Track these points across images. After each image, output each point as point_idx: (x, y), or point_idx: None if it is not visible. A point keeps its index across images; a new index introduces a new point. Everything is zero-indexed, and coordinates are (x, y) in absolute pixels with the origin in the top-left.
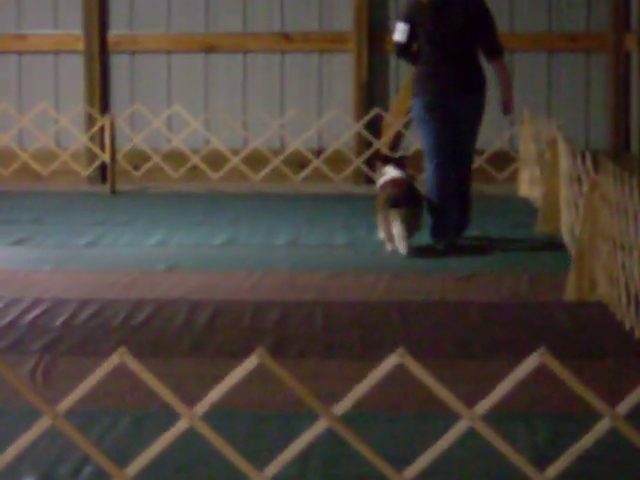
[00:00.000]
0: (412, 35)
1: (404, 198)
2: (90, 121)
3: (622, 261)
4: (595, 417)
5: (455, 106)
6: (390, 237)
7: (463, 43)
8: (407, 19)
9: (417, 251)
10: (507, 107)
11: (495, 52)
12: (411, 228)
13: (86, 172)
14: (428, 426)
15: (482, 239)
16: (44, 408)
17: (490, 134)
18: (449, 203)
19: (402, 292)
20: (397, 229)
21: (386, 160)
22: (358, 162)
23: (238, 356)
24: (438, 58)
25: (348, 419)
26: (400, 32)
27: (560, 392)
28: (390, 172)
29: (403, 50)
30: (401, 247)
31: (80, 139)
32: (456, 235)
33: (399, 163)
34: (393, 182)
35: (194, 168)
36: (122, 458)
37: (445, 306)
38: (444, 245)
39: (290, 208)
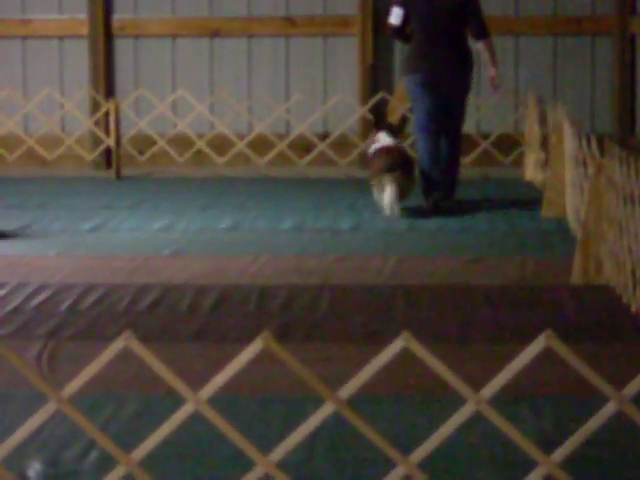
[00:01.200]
0: (406, 18)
1: (397, 164)
2: (95, 106)
3: (628, 244)
4: (601, 400)
5: (444, 82)
6: (384, 201)
7: (452, 26)
8: (402, 3)
9: (409, 212)
10: (494, 82)
11: (482, 33)
12: (403, 191)
13: (91, 157)
14: (434, 410)
15: (488, 222)
16: (50, 393)
17: (495, 118)
18: (437, 168)
19: (408, 275)
20: (390, 192)
21: (378, 127)
22: (363, 146)
23: (243, 340)
24: (429, 40)
25: (354, 403)
26: (395, 16)
27: (566, 375)
28: (382, 139)
29: (398, 32)
30: (395, 210)
31: (85, 124)
32: (445, 197)
33: (391, 130)
34: (387, 149)
35: (199, 153)
36: (128, 442)
37: (451, 289)
38: (432, 205)
39: (295, 192)
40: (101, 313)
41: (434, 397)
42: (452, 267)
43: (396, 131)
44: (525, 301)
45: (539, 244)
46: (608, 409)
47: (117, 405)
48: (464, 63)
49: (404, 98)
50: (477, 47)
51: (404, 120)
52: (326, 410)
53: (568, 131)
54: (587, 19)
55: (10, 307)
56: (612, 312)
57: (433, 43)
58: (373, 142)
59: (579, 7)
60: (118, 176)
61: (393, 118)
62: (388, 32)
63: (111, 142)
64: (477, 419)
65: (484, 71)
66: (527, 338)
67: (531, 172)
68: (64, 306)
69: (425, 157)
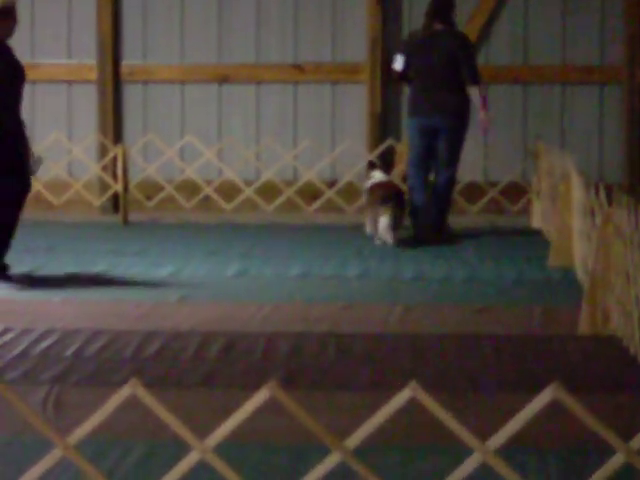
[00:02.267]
0: (408, 64)
1: (391, 197)
2: (103, 151)
3: (635, 294)
4: (608, 452)
5: (439, 126)
6: (377, 231)
7: (446, 73)
8: (403, 51)
9: (401, 242)
10: (482, 125)
11: (471, 81)
12: (396, 222)
13: (99, 202)
14: (441, 460)
15: (495, 271)
16: (55, 439)
17: (503, 166)
18: (425, 205)
19: (415, 324)
20: (385, 222)
21: (372, 165)
22: None
23: (250, 388)
24: (426, 85)
25: (360, 452)
26: (398, 62)
27: (573, 426)
28: (377, 176)
29: (401, 77)
30: (388, 237)
31: (93, 169)
32: (434, 232)
33: (385, 168)
34: (382, 184)
35: (207, 198)
36: None
37: (458, 339)
38: (417, 235)
39: (303, 239)
40: (107, 359)
41: (441, 447)
42: (459, 316)
43: (388, 169)
44: (532, 351)
45: (546, 293)
46: (615, 461)
47: (123, 452)
48: (457, 108)
49: None
50: (470, 92)
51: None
52: (333, 460)
53: (576, 180)
54: (596, 68)
55: (16, 352)
56: (619, 363)
57: (428, 88)
58: (368, 179)
59: (588, 56)
60: (125, 221)
61: (401, 165)
62: (393, 77)
63: (119, 187)
64: (484, 469)
65: (493, 119)
66: (534, 388)
67: (539, 221)
68: (70, 351)
69: (412, 193)
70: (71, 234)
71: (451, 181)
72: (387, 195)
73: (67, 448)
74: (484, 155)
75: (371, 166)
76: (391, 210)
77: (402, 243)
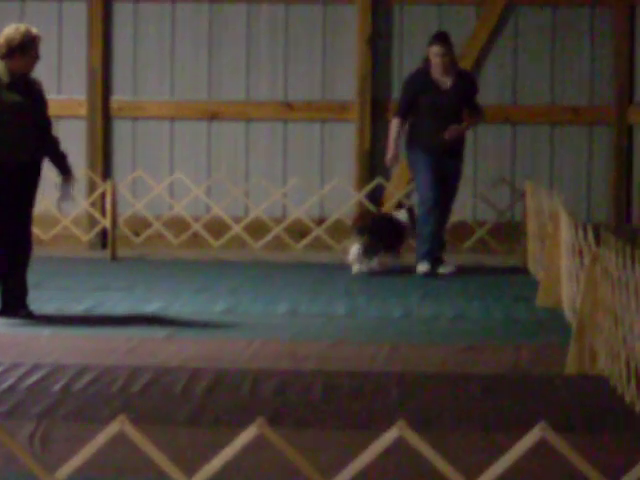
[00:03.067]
0: (413, 102)
1: (364, 228)
2: (92, 186)
3: (623, 335)
4: None
5: (445, 161)
6: (354, 259)
7: (454, 112)
8: (410, 89)
9: (373, 273)
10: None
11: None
12: (368, 252)
13: (87, 237)
14: None
15: (482, 310)
16: (42, 474)
17: (492, 206)
18: (429, 234)
19: (402, 363)
20: (354, 251)
21: (400, 206)
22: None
23: (237, 425)
24: (434, 124)
25: None
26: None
27: (560, 466)
28: (400, 215)
29: (405, 114)
30: (355, 267)
31: (81, 204)
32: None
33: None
34: (360, 216)
35: (195, 235)
36: None
37: (445, 378)
38: (426, 267)
39: (291, 277)
40: (95, 394)
41: None
42: (446, 355)
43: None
44: (519, 390)
45: (534, 333)
46: None
47: None
48: (460, 149)
49: (401, 185)
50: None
51: (400, 207)
52: None
53: (564, 220)
54: (585, 109)
55: (3, 387)
56: (606, 403)
57: (435, 127)
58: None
59: (577, 97)
60: (113, 257)
61: (388, 205)
62: (391, 116)
63: (107, 223)
64: None
65: (480, 160)
66: (521, 428)
67: (527, 260)
68: (57, 387)
69: (429, 227)
70: (59, 269)
71: (447, 217)
72: (360, 226)
73: None
74: (472, 194)
75: (398, 206)
76: (362, 241)
77: (375, 272)
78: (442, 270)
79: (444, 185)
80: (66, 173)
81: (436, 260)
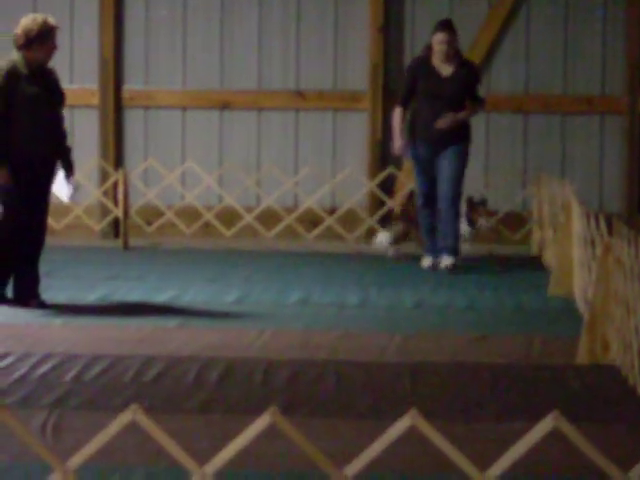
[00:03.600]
0: (413, 88)
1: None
2: (104, 176)
3: (635, 325)
4: None
5: (441, 151)
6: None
7: (454, 101)
8: (409, 75)
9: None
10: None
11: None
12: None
13: (99, 227)
14: None
15: (494, 300)
16: (55, 463)
17: (504, 195)
18: (432, 228)
19: (414, 353)
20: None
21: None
22: (371, 221)
23: (249, 414)
24: (432, 112)
25: (360, 479)
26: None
27: (572, 455)
28: None
29: (405, 101)
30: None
31: (94, 194)
32: (445, 253)
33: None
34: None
35: (207, 225)
36: None
37: (457, 367)
38: (427, 261)
39: (303, 266)
40: (106, 384)
41: (440, 475)
42: (458, 345)
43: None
44: (531, 380)
45: (546, 323)
46: None
47: (122, 477)
48: (460, 135)
49: (412, 174)
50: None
51: (412, 196)
52: None
53: (576, 210)
54: (597, 98)
55: (15, 376)
56: (618, 393)
57: (434, 113)
58: None
59: (589, 86)
60: (126, 246)
61: (401, 194)
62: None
63: (119, 212)
64: None
65: (493, 150)
66: (533, 417)
67: (539, 250)
68: (69, 376)
69: (423, 224)
70: (71, 258)
71: (458, 206)
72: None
73: (66, 473)
74: (484, 184)
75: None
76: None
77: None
78: (443, 263)
79: (440, 176)
80: (69, 169)
81: (449, 251)
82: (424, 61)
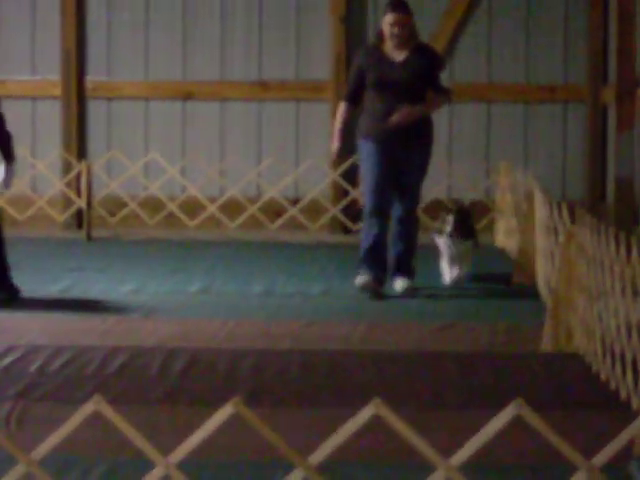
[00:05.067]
0: (361, 80)
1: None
2: (67, 167)
3: (598, 312)
4: (571, 469)
5: (398, 153)
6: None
7: (408, 92)
8: (355, 66)
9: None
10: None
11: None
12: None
13: (62, 218)
14: (404, 477)
15: (458, 288)
16: (19, 455)
17: (466, 184)
18: (380, 242)
19: (377, 342)
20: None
21: (448, 211)
22: (334, 211)
23: (213, 404)
24: (383, 106)
25: (323, 469)
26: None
27: (536, 443)
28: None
29: (353, 96)
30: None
31: (57, 185)
32: (401, 275)
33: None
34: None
35: (170, 215)
36: None
37: (421, 356)
38: (365, 279)
39: (266, 256)
40: (70, 375)
41: (404, 463)
42: (422, 333)
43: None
44: (495, 368)
45: (509, 311)
46: (578, 478)
47: (86, 468)
48: (420, 133)
49: None
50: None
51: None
52: (296, 476)
53: (539, 198)
54: (559, 87)
55: None
56: (581, 380)
57: (388, 108)
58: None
59: (551, 75)
60: (89, 238)
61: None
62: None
63: (82, 204)
64: None
65: (455, 139)
66: (497, 405)
67: (502, 239)
68: (33, 367)
69: (365, 230)
70: (34, 250)
71: (413, 215)
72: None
73: (31, 464)
74: (448, 173)
75: (447, 211)
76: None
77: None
78: (399, 286)
79: (398, 185)
80: (9, 157)
81: (405, 273)
82: (374, 48)
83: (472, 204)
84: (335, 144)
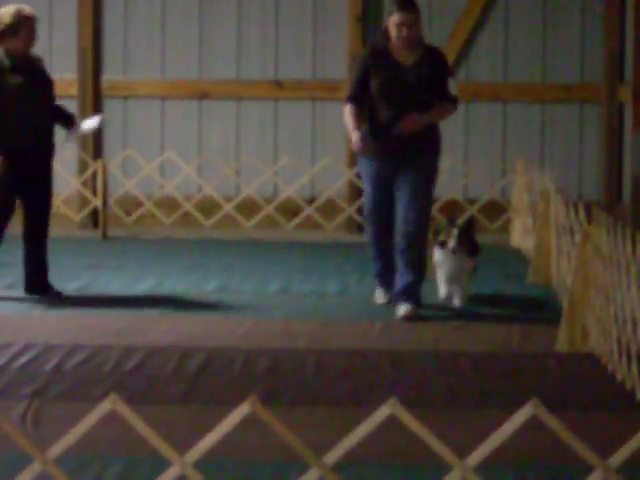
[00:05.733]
0: (365, 83)
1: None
2: (83, 166)
3: (614, 313)
4: (587, 469)
5: (404, 168)
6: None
7: (417, 99)
8: (359, 67)
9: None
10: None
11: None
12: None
13: (78, 217)
14: (420, 476)
15: (474, 288)
16: (35, 453)
17: (483, 184)
18: (386, 264)
19: (394, 341)
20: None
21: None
22: (351, 210)
23: (229, 403)
24: (388, 113)
25: (339, 468)
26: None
27: (552, 443)
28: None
29: (356, 97)
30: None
31: (72, 184)
32: (406, 300)
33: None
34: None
35: (186, 214)
36: None
37: (437, 356)
38: (384, 296)
39: (282, 256)
40: (86, 374)
41: (420, 463)
42: (438, 333)
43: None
44: (510, 368)
45: (525, 311)
46: (594, 478)
47: (102, 467)
48: (427, 146)
49: None
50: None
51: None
52: (312, 476)
53: (555, 198)
54: (576, 86)
55: None
56: (597, 381)
57: (394, 114)
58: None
59: (568, 74)
60: (105, 236)
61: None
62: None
63: (98, 203)
64: None
65: (472, 138)
66: (512, 405)
67: (518, 238)
68: (49, 366)
69: (371, 249)
70: (50, 249)
71: (421, 237)
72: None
73: (46, 462)
74: (463, 173)
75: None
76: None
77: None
78: (402, 311)
79: (402, 201)
80: (72, 120)
81: (410, 298)
82: (379, 49)
83: (487, 204)
84: (355, 136)
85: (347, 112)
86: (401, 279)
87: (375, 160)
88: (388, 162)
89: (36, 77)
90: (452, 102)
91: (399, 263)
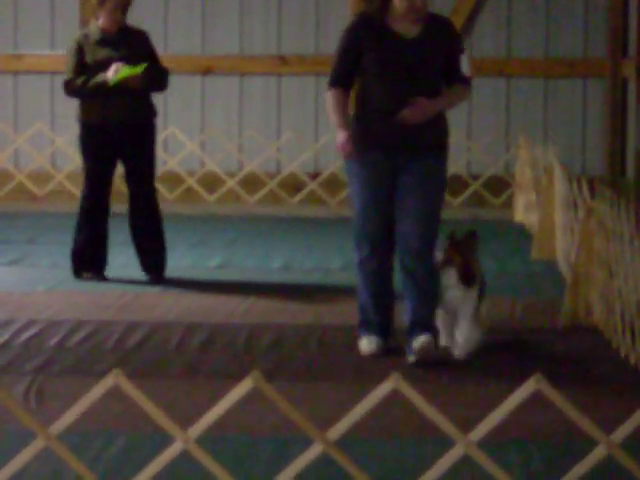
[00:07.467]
0: (356, 60)
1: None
2: None
3: (618, 287)
4: (591, 444)
5: (406, 165)
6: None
7: (423, 78)
8: (349, 43)
9: None
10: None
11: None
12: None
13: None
14: (423, 451)
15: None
16: (37, 429)
17: (486, 159)
18: (381, 292)
19: (397, 317)
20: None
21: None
22: None
23: (232, 379)
24: (389, 97)
25: (342, 443)
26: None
27: (555, 418)
28: None
29: (343, 79)
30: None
31: (76, 160)
32: (421, 331)
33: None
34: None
35: (189, 190)
36: None
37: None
38: (374, 343)
39: (285, 231)
40: (90, 350)
41: (423, 438)
42: None
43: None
44: (515, 343)
45: (529, 286)
46: (597, 453)
47: (105, 442)
48: (435, 140)
49: None
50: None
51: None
52: (314, 450)
53: (559, 173)
54: (579, 61)
55: None
56: (601, 356)
57: (396, 98)
58: None
59: (571, 50)
60: None
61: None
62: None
63: None
64: (466, 460)
65: (475, 114)
66: (516, 380)
67: (521, 214)
68: (52, 342)
69: (360, 276)
70: (54, 224)
71: (427, 258)
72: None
73: (49, 438)
74: (467, 148)
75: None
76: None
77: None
78: (419, 344)
79: (404, 209)
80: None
81: (425, 327)
82: (373, 19)
83: (490, 179)
84: (341, 136)
85: (330, 100)
86: (410, 304)
87: (368, 161)
88: (386, 163)
89: (128, 50)
90: (465, 84)
91: (407, 289)
